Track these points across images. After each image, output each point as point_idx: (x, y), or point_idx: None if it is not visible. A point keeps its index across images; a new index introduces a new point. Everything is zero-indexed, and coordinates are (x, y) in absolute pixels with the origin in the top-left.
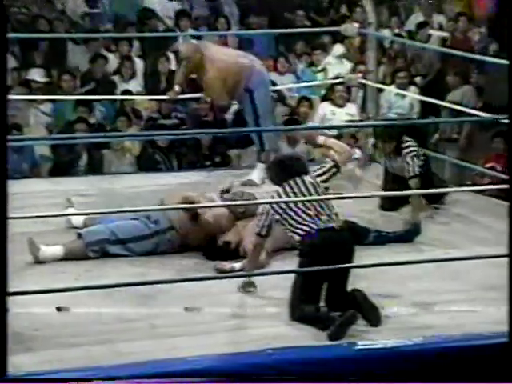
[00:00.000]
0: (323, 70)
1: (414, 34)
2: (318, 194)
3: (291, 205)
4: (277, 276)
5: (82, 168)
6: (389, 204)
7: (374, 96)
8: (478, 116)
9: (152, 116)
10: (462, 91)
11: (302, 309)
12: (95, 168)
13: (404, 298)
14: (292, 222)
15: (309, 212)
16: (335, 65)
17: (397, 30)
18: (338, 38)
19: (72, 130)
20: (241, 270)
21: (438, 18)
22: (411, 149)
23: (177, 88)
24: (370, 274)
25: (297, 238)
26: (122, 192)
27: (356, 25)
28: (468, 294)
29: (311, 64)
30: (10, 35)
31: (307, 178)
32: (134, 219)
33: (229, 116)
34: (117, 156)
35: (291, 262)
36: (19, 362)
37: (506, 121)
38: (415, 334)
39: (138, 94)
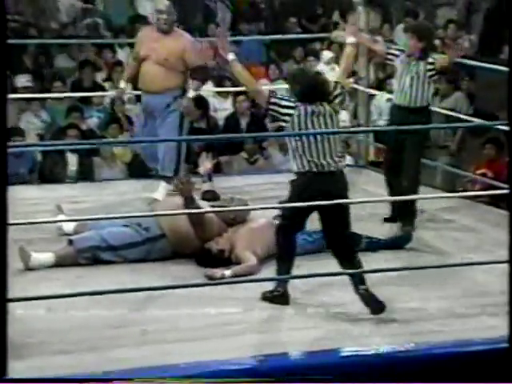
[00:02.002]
0: None
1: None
2: (334, 127)
3: (309, 127)
4: (269, 283)
5: (72, 175)
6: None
7: (365, 102)
8: (474, 122)
9: None
10: (455, 98)
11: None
12: (86, 175)
13: (394, 303)
14: (298, 145)
15: (318, 147)
16: (328, 72)
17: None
18: (328, 45)
19: (63, 137)
20: (231, 276)
21: None
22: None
23: (122, 84)
24: None
25: (294, 168)
26: (113, 199)
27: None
28: (458, 300)
29: None
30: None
31: (327, 107)
32: (125, 226)
33: (220, 122)
34: (108, 163)
35: None
36: (10, 369)
37: (506, 127)
38: (405, 340)
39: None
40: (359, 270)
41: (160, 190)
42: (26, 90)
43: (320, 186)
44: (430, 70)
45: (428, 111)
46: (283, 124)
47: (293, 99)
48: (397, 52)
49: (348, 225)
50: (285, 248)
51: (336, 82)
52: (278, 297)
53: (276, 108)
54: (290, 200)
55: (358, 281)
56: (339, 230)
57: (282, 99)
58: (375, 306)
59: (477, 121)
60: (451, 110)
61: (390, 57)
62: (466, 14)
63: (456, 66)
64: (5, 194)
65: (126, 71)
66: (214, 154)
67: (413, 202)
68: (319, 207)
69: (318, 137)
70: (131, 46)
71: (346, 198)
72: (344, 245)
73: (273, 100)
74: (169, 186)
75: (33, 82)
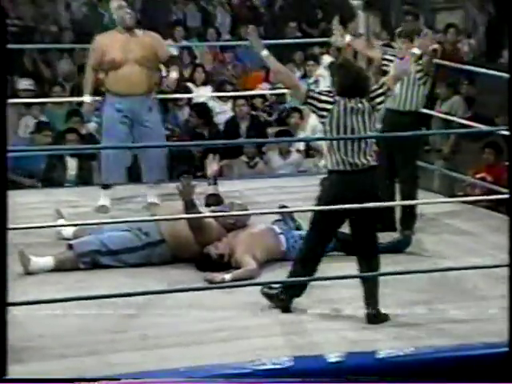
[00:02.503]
0: (316, 81)
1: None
2: (372, 125)
3: (347, 123)
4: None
5: (72, 179)
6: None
7: None
8: (472, 127)
9: None
10: (451, 101)
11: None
12: (85, 179)
13: (394, 308)
14: (333, 143)
15: (353, 145)
16: (327, 77)
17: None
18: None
19: (63, 141)
20: (231, 280)
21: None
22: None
23: (88, 99)
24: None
25: (328, 166)
26: (113, 203)
27: (348, 36)
28: (458, 304)
29: (304, 75)
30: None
31: (366, 104)
32: (125, 231)
33: (220, 127)
34: None
35: (283, 272)
36: (10, 373)
37: (506, 132)
38: (406, 345)
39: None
40: (358, 275)
41: (151, 193)
42: (26, 92)
43: (353, 185)
44: (418, 72)
45: (419, 114)
46: (322, 120)
47: (332, 94)
48: (391, 57)
49: (376, 226)
50: (307, 262)
51: (383, 83)
52: (279, 300)
53: (314, 103)
54: (320, 200)
55: (369, 298)
56: (368, 231)
57: (321, 94)
58: (374, 321)
59: (477, 125)
60: (447, 113)
61: (385, 62)
62: (468, 18)
63: (455, 70)
64: (5, 199)
65: (87, 84)
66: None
67: (413, 206)
68: (351, 208)
69: (354, 134)
70: None
71: (378, 196)
72: (370, 247)
73: (311, 94)
74: (157, 189)
75: (34, 86)
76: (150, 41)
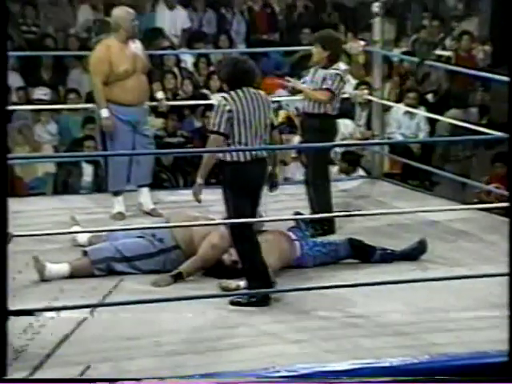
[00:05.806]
0: None
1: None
2: (269, 110)
3: (246, 114)
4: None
5: (87, 185)
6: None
7: (379, 114)
8: (482, 134)
9: (158, 134)
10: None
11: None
12: (101, 186)
13: (409, 315)
14: (235, 136)
15: (251, 134)
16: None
17: (404, 49)
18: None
19: (79, 148)
20: (246, 288)
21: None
22: (339, 71)
23: (105, 113)
24: (377, 291)
25: (227, 158)
26: (128, 210)
27: (361, 43)
28: (473, 312)
29: None
30: (17, 53)
31: (256, 91)
32: (140, 237)
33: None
34: None
35: (297, 279)
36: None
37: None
38: (420, 352)
39: None
40: (373, 282)
41: (146, 196)
42: (40, 102)
43: (252, 174)
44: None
45: (324, 118)
46: (231, 121)
47: (225, 99)
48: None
49: None
50: (250, 253)
51: None
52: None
53: (223, 125)
54: (232, 193)
55: None
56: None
57: (218, 114)
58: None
59: (491, 132)
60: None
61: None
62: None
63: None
64: (5, 205)
65: (100, 98)
66: None
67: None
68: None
69: (248, 125)
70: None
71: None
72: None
73: (217, 130)
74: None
75: (50, 94)
76: (141, 51)
